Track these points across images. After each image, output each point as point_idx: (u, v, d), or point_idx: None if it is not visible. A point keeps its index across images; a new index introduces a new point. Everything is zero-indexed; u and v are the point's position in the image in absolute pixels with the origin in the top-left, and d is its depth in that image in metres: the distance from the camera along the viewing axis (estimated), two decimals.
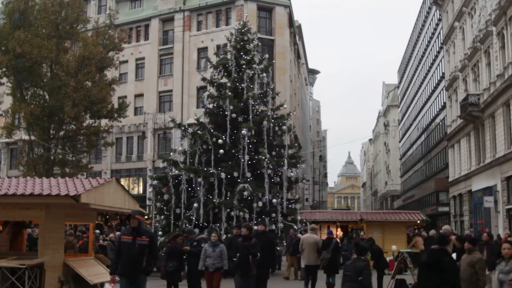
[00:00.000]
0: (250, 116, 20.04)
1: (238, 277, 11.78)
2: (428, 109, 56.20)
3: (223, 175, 18.90)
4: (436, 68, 50.68)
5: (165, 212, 19.65)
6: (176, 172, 19.81)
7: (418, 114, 62.92)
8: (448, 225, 11.37)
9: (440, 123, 49.47)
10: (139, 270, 8.39)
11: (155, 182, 20.60)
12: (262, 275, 12.21)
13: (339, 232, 25.23)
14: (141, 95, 45.87)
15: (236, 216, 18.28)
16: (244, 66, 20.91)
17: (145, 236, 8.52)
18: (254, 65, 20.99)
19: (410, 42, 70.50)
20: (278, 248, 18.65)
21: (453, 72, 40.86)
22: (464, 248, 9.04)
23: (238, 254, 11.75)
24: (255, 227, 16.42)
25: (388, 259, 18.52)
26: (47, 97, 31.07)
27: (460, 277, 8.37)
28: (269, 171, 19.44)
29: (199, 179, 18.94)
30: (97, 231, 21.98)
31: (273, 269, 13.21)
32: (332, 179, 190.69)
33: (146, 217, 20.92)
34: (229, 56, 21.27)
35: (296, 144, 33.25)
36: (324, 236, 25.67)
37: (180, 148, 21.14)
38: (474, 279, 8.54)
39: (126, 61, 45.04)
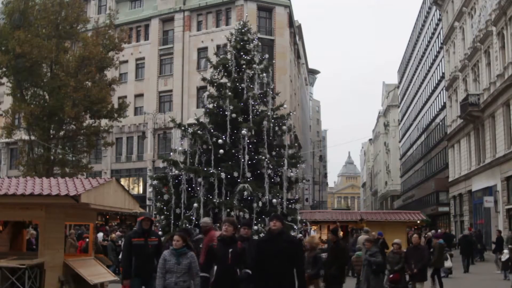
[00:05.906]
0: (250, 116, 19.97)
1: None
2: (428, 109, 56.22)
3: (223, 175, 18.84)
4: (436, 68, 50.69)
5: (165, 212, 19.60)
6: (176, 172, 19.74)
7: (418, 114, 62.92)
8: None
9: (440, 123, 49.48)
10: (153, 269, 8.71)
11: (155, 182, 20.55)
12: None
13: (339, 232, 25.24)
14: (141, 95, 45.88)
15: (236, 216, 18.26)
16: (244, 66, 20.83)
17: (154, 237, 9.34)
18: (254, 65, 20.91)
19: (410, 42, 70.50)
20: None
21: (453, 72, 40.86)
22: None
23: (216, 267, 7.82)
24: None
25: None
26: (47, 97, 31.04)
27: None
28: (269, 171, 19.37)
29: (199, 179, 18.88)
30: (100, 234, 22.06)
31: None
32: (332, 179, 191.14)
33: None
34: (229, 56, 21.18)
35: (296, 144, 33.29)
36: (324, 237, 25.88)
37: (180, 148, 21.05)
38: None
39: (126, 61, 45.04)
